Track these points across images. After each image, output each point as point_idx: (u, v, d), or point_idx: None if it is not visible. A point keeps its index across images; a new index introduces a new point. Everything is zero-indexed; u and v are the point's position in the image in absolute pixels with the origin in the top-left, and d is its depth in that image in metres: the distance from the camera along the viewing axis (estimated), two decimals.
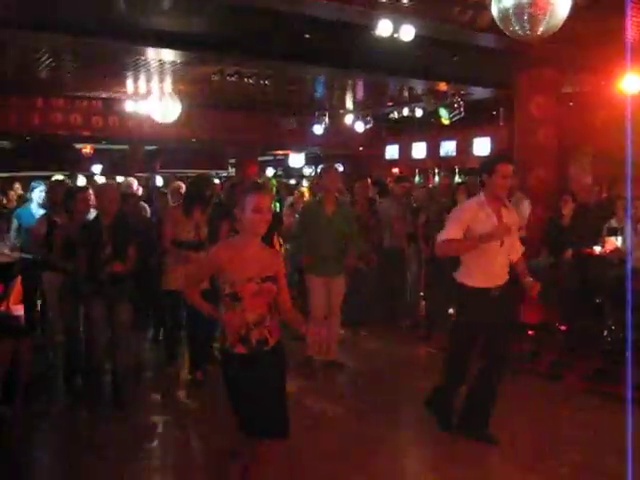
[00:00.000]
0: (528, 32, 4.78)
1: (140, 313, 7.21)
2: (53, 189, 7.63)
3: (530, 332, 8.49)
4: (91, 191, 8.11)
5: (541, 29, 4.85)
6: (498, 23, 4.93)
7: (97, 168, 21.20)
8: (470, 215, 4.81)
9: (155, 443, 5.38)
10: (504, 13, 4.77)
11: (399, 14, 6.67)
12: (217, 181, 20.49)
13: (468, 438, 5.00)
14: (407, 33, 6.91)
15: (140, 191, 10.73)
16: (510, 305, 5.21)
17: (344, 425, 5.62)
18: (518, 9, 4.74)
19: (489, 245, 4.75)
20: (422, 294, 9.51)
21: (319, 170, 8.29)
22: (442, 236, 4.83)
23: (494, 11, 4.93)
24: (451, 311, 8.84)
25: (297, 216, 8.54)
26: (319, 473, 4.64)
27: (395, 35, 6.88)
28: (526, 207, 8.12)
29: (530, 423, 5.59)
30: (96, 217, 6.15)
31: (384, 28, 6.76)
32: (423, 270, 9.38)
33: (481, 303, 4.85)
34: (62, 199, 7.03)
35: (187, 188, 7.12)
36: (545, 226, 8.64)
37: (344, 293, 7.15)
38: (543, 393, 6.35)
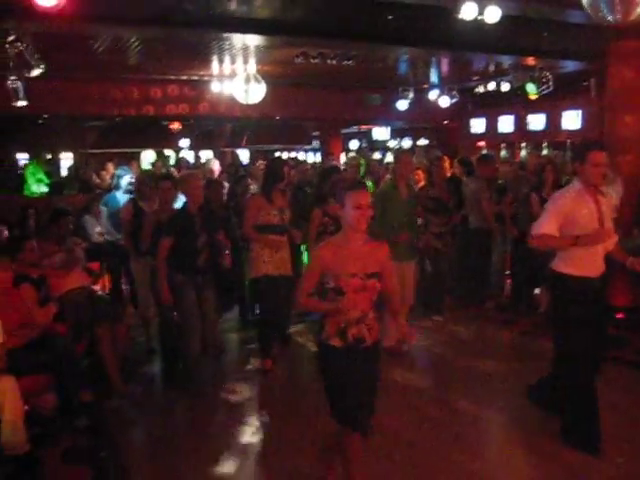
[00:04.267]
0: (619, 17, 4.58)
1: (225, 298, 7.38)
2: (141, 177, 7.92)
3: (619, 315, 8.24)
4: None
5: (636, 13, 4.62)
6: (586, 9, 4.75)
7: (184, 142, 21.66)
8: (569, 206, 4.63)
9: (245, 422, 5.56)
10: None
11: None
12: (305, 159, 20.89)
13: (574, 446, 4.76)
14: (493, 15, 6.74)
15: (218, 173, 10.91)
16: (604, 297, 4.99)
17: (420, 411, 5.61)
18: None
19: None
20: (508, 273, 9.38)
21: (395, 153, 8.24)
22: (537, 229, 4.69)
23: None
24: (537, 291, 8.75)
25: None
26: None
27: (480, 17, 6.72)
28: (618, 186, 7.86)
29: (618, 417, 5.26)
30: (183, 206, 6.33)
31: (468, 11, 6.62)
32: (509, 250, 9.27)
33: (581, 292, 4.66)
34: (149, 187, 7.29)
35: (265, 173, 7.13)
36: (637, 206, 8.34)
37: (415, 278, 7.18)
38: (631, 383, 6.11)
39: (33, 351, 5.16)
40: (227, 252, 6.26)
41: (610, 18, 4.62)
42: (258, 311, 7.91)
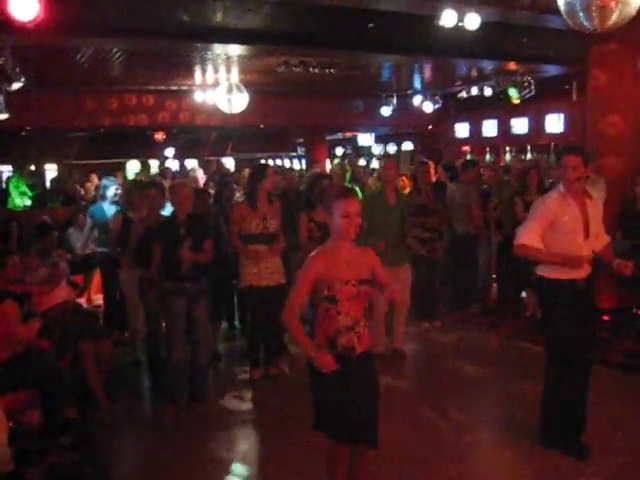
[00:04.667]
0: (597, 25, 4.61)
1: (214, 307, 7.38)
2: (129, 188, 7.91)
3: (605, 317, 8.27)
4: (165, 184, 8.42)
5: (612, 20, 4.65)
6: (564, 16, 4.78)
7: (169, 152, 21.62)
8: (552, 212, 4.62)
9: (235, 435, 5.58)
10: (570, 7, 4.61)
11: (463, 3, 6.54)
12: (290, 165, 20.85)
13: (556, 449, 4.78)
14: (472, 22, 6.78)
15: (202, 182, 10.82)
16: (592, 298, 4.98)
17: (407, 418, 5.63)
18: (586, 1, 4.57)
19: (573, 238, 4.59)
20: (494, 277, 9.40)
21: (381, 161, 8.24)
22: (519, 238, 4.69)
23: (560, 2, 4.77)
24: (524, 295, 8.77)
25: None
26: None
27: (460, 24, 6.75)
28: (602, 189, 7.90)
29: (605, 419, 5.25)
30: (172, 214, 6.31)
31: (448, 18, 6.65)
32: (494, 255, 9.29)
33: (569, 295, 4.66)
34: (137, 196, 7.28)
35: (248, 180, 7.14)
36: (620, 209, 8.40)
37: (411, 281, 7.17)
38: (616, 387, 6.11)
39: (17, 367, 5.11)
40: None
41: (588, 26, 4.65)
42: (237, 321, 7.98)
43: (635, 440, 5.06)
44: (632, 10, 4.73)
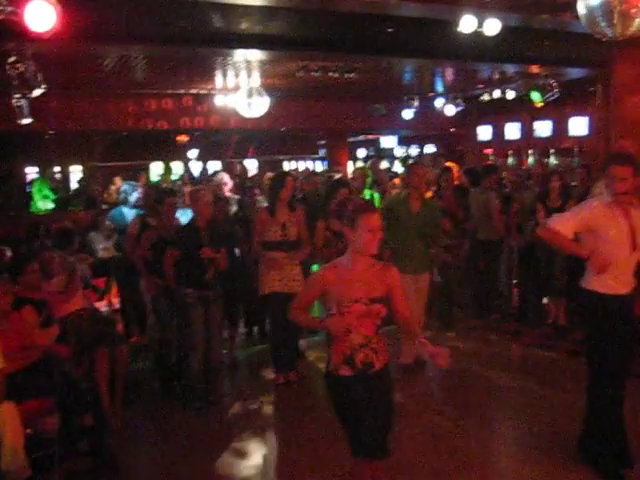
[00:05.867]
0: (618, 32, 4.51)
1: (232, 313, 7.40)
2: (148, 192, 7.94)
3: None
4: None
5: (634, 27, 4.55)
6: (584, 24, 4.70)
7: (193, 153, 21.68)
8: (596, 221, 4.41)
9: (251, 441, 5.58)
10: (590, 14, 4.52)
11: (483, 9, 6.47)
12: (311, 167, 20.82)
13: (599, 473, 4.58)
14: (492, 27, 6.70)
15: (229, 186, 10.76)
16: (634, 312, 4.72)
17: (426, 429, 5.59)
18: (606, 8, 4.48)
19: (621, 249, 4.39)
20: (515, 283, 9.28)
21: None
22: (552, 223, 4.52)
23: (580, 10, 4.69)
24: (545, 301, 8.65)
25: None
26: None
27: (479, 30, 6.68)
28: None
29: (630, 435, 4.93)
30: (191, 221, 6.33)
31: (467, 24, 6.58)
32: (516, 261, 9.18)
33: (616, 311, 4.47)
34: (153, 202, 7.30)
35: (269, 187, 7.17)
36: None
37: (429, 289, 7.12)
38: None
39: (35, 374, 5.14)
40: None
41: (608, 33, 4.56)
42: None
43: None
44: None
